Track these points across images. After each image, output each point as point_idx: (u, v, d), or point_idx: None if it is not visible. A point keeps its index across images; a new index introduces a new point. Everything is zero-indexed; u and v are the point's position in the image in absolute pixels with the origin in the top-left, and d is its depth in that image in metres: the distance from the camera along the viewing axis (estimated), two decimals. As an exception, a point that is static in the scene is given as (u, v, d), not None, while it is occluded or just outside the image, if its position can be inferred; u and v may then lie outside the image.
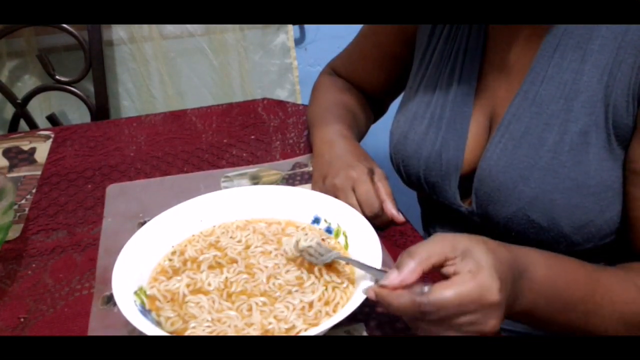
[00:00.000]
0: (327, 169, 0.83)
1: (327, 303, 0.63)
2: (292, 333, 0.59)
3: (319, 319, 0.61)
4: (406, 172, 0.86)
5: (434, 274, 0.56)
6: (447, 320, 0.54)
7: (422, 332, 0.55)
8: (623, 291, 0.65)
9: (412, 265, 0.55)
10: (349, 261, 0.65)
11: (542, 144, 0.71)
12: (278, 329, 0.60)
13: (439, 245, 0.56)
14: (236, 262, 0.69)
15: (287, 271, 0.67)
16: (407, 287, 0.54)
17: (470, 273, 0.53)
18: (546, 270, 0.61)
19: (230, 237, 0.73)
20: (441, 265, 0.55)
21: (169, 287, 0.66)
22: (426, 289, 0.53)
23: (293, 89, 1.70)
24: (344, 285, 0.65)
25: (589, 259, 0.76)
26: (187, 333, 0.60)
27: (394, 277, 0.55)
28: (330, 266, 0.68)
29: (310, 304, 0.63)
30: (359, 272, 0.65)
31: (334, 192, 0.77)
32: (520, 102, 0.74)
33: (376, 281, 0.58)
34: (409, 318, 0.56)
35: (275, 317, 0.61)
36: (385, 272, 0.57)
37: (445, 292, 0.53)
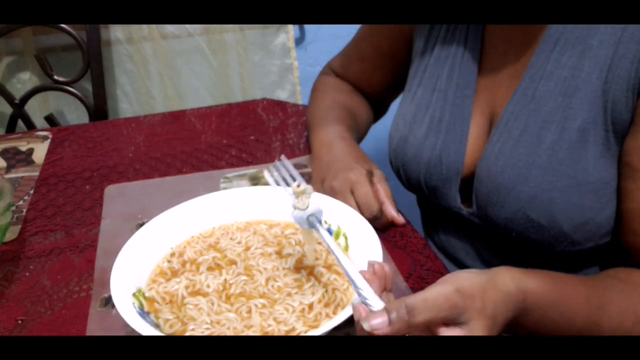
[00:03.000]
0: (325, 171, 0.82)
1: (327, 305, 0.63)
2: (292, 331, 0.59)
3: (319, 320, 0.61)
4: (406, 176, 0.85)
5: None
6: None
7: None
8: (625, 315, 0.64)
9: (404, 325, 0.50)
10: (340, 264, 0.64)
11: (541, 143, 0.71)
12: (278, 331, 0.60)
13: (444, 313, 0.51)
14: (235, 263, 0.69)
15: (286, 274, 0.67)
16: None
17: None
18: (543, 309, 0.60)
19: (230, 239, 0.73)
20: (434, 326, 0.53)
21: (168, 289, 0.66)
22: None
23: (293, 89, 1.70)
24: (344, 287, 0.65)
25: (589, 259, 0.76)
26: (186, 334, 0.60)
27: (380, 325, 0.50)
28: (330, 268, 0.67)
29: (310, 306, 0.62)
30: (358, 267, 0.65)
31: (333, 195, 0.77)
32: (518, 99, 0.74)
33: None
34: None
35: (274, 319, 0.61)
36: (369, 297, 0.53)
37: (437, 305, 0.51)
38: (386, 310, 0.51)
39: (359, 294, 0.53)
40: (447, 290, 0.52)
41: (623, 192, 0.69)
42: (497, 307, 0.55)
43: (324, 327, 0.57)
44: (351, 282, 0.55)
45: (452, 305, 0.52)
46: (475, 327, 0.53)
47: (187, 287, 0.66)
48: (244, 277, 0.67)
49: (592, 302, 0.63)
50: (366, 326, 0.50)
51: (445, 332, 0.52)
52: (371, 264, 0.56)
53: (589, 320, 0.62)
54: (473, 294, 0.53)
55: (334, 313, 0.61)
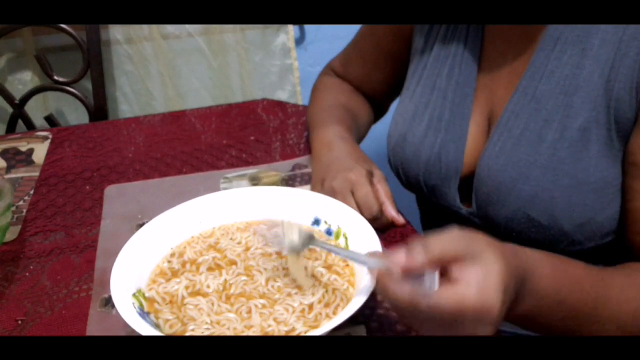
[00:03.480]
0: (325, 171, 0.82)
1: (327, 305, 0.63)
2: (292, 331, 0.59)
3: (319, 321, 0.61)
4: (405, 175, 0.85)
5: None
6: (438, 322, 0.52)
7: (405, 323, 0.54)
8: (627, 299, 0.64)
9: (422, 256, 0.52)
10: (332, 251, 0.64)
11: (542, 141, 0.71)
12: (278, 332, 0.60)
13: (453, 244, 0.53)
14: (235, 263, 0.69)
15: (286, 274, 0.67)
16: (408, 272, 0.52)
17: (477, 285, 0.50)
18: (551, 278, 0.59)
19: (230, 239, 0.73)
20: (449, 262, 0.53)
21: (168, 289, 0.66)
22: (427, 281, 0.51)
23: (294, 90, 1.69)
24: (344, 287, 0.65)
25: (590, 259, 0.76)
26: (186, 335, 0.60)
27: (400, 257, 0.52)
28: (330, 268, 0.67)
29: (310, 306, 0.62)
30: (358, 274, 0.65)
31: (333, 195, 0.77)
32: (519, 98, 0.74)
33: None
34: (398, 308, 0.54)
35: (274, 319, 0.61)
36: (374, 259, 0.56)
37: (447, 301, 0.50)
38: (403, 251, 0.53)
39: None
40: (454, 229, 0.55)
41: (629, 191, 0.69)
42: (502, 246, 0.55)
43: (324, 328, 0.57)
44: (361, 261, 0.58)
45: (461, 237, 0.53)
46: (491, 258, 0.52)
47: (187, 288, 0.66)
48: (243, 278, 0.67)
49: (594, 278, 0.63)
50: (388, 263, 0.53)
51: (462, 269, 0.51)
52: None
53: (590, 298, 0.62)
54: (477, 234, 0.55)
55: (334, 313, 0.61)
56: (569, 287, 0.61)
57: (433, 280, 0.52)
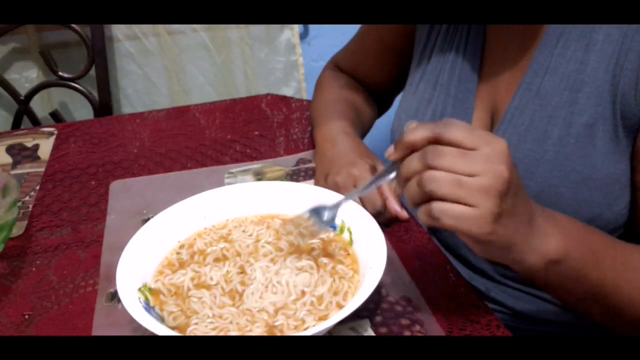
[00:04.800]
0: (329, 166, 0.82)
1: (336, 293, 0.63)
2: (302, 328, 0.60)
3: (330, 310, 0.61)
4: None
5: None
6: (458, 150, 0.51)
7: (428, 180, 0.52)
8: None
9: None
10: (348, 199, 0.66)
11: (547, 138, 0.71)
12: (287, 325, 0.60)
13: (470, 138, 0.52)
14: (240, 255, 0.69)
15: (298, 274, 0.67)
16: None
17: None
18: (577, 226, 0.59)
19: (243, 231, 0.73)
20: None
21: (174, 280, 0.66)
22: None
23: (299, 86, 1.69)
24: (350, 275, 0.65)
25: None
26: (189, 329, 0.60)
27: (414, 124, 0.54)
28: (333, 257, 0.68)
29: (320, 298, 0.63)
30: (362, 261, 0.66)
31: (336, 190, 0.77)
32: (522, 94, 0.73)
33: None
34: (416, 163, 0.53)
35: (284, 314, 0.61)
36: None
37: (459, 122, 0.52)
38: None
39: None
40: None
41: (639, 189, 0.69)
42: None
43: (330, 320, 0.57)
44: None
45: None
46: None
47: (192, 279, 0.66)
48: (242, 276, 0.67)
49: (617, 246, 0.63)
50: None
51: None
52: None
53: (614, 266, 0.61)
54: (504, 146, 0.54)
55: (344, 299, 0.62)
56: (589, 230, 0.61)
57: None
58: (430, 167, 0.52)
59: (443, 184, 0.51)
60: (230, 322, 0.61)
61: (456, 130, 0.52)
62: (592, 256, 0.60)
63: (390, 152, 0.56)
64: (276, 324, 0.60)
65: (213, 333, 0.60)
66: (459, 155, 0.51)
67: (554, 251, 0.57)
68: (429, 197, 0.52)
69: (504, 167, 0.51)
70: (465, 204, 0.51)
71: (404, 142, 0.54)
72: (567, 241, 0.58)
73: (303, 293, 0.64)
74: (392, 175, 0.58)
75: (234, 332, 0.60)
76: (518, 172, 0.54)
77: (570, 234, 0.59)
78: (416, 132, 0.53)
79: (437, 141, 0.52)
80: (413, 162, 0.53)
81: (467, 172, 0.51)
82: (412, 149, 0.54)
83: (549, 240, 0.57)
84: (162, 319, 0.61)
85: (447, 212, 0.51)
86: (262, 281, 0.65)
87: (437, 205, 0.52)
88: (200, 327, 0.60)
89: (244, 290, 0.64)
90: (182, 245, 0.72)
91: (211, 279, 0.66)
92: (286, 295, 0.63)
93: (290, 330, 0.60)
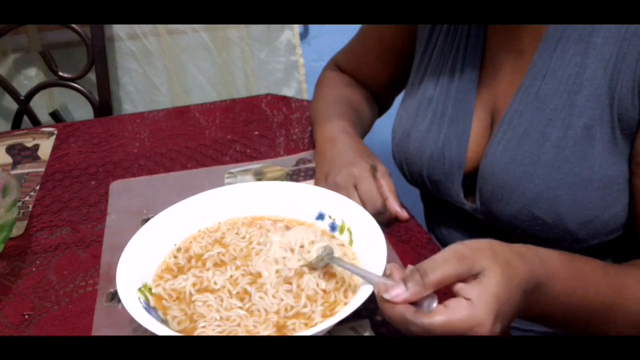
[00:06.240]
0: (329, 166, 0.82)
1: (336, 289, 0.64)
2: (310, 325, 0.60)
3: (337, 303, 0.62)
4: (409, 170, 0.85)
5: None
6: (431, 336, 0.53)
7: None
8: None
9: (419, 287, 0.53)
10: (344, 267, 0.64)
11: (546, 140, 0.71)
12: (299, 325, 0.60)
13: (454, 267, 0.53)
14: (236, 259, 0.69)
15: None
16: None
17: (468, 302, 0.52)
18: (566, 280, 0.60)
19: (236, 234, 0.73)
20: (449, 285, 0.54)
21: (175, 286, 0.66)
22: (425, 303, 0.53)
23: (299, 87, 1.68)
24: (349, 273, 0.66)
25: (595, 255, 0.76)
26: (196, 332, 0.60)
27: (399, 293, 0.53)
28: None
29: (325, 291, 0.63)
30: (362, 261, 0.66)
31: (336, 190, 0.77)
32: (522, 97, 0.74)
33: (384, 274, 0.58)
34: (393, 323, 0.55)
35: (296, 314, 0.61)
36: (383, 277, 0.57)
37: (434, 319, 0.52)
38: (402, 280, 0.54)
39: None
40: (455, 247, 0.55)
41: (638, 192, 0.69)
42: (510, 257, 0.55)
43: (335, 318, 0.57)
44: (366, 277, 0.59)
45: (460, 258, 0.54)
46: (491, 276, 0.53)
47: (194, 285, 0.66)
48: (248, 277, 0.67)
49: (611, 278, 0.63)
50: (387, 296, 0.54)
51: (462, 288, 0.53)
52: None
53: (606, 299, 0.62)
54: (482, 247, 0.55)
55: (345, 297, 0.63)
56: (584, 289, 0.61)
57: (431, 303, 0.54)
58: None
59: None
60: (238, 325, 0.61)
61: (434, 332, 0.52)
62: (574, 309, 0.61)
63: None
64: (288, 324, 0.60)
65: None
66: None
67: (536, 313, 0.59)
68: None
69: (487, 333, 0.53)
70: None
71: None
72: (551, 308, 0.60)
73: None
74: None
75: (242, 334, 0.60)
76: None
77: (556, 298, 0.59)
78: (396, 323, 0.54)
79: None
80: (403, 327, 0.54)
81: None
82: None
83: (532, 311, 0.58)
84: (166, 323, 0.61)
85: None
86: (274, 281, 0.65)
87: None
88: (208, 331, 0.60)
89: (253, 290, 0.64)
90: (179, 248, 0.72)
91: (215, 283, 0.66)
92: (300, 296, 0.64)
93: (301, 328, 0.60)
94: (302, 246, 0.67)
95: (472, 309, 0.52)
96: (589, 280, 0.62)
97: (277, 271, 0.66)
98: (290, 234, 0.69)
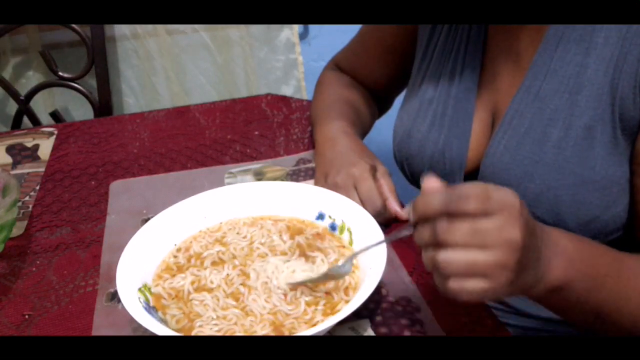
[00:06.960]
0: (329, 166, 0.82)
1: (336, 289, 0.64)
2: (311, 324, 0.60)
3: (339, 301, 0.62)
4: (410, 170, 0.85)
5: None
6: (470, 222, 0.50)
7: (443, 248, 0.51)
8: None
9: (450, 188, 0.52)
10: (354, 256, 0.64)
11: (546, 140, 0.71)
12: (297, 324, 0.60)
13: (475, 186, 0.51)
14: (236, 258, 0.69)
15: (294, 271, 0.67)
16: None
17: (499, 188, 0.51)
18: (576, 243, 0.59)
19: (237, 233, 0.73)
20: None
21: (174, 284, 0.66)
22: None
23: (299, 85, 1.69)
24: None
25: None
26: (193, 331, 0.60)
27: (434, 181, 0.53)
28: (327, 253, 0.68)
29: (328, 293, 0.63)
30: (362, 261, 0.66)
31: (336, 190, 0.77)
32: (522, 97, 0.74)
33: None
34: (429, 234, 0.52)
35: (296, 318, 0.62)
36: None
37: (473, 187, 0.50)
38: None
39: None
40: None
41: (638, 192, 0.69)
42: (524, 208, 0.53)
43: (332, 319, 0.57)
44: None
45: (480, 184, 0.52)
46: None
47: (192, 283, 0.66)
48: (243, 277, 0.67)
49: (621, 265, 0.62)
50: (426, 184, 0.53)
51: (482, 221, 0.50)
52: None
53: (617, 286, 0.61)
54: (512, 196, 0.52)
55: (346, 294, 0.63)
56: (592, 254, 0.60)
57: None
58: (442, 243, 0.51)
59: (457, 267, 0.51)
60: (235, 324, 0.61)
61: (469, 202, 0.50)
62: (594, 281, 0.60)
63: (406, 212, 0.57)
64: (286, 323, 0.60)
65: (218, 335, 0.60)
66: (470, 232, 0.50)
67: (557, 280, 0.57)
68: (445, 276, 0.52)
69: (518, 234, 0.50)
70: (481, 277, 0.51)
71: (418, 212, 0.53)
72: (570, 269, 0.57)
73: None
74: (408, 232, 0.56)
75: (239, 334, 0.60)
76: (528, 214, 0.53)
77: (574, 260, 0.58)
78: (429, 204, 0.52)
79: (450, 214, 0.51)
80: (425, 234, 0.53)
81: (481, 246, 0.50)
82: (426, 219, 0.53)
83: (552, 272, 0.56)
84: (164, 322, 0.61)
85: (464, 290, 0.51)
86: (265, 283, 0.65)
87: (453, 285, 0.51)
88: (205, 329, 0.60)
89: (245, 292, 0.64)
90: (179, 248, 0.72)
91: (211, 282, 0.66)
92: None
93: (301, 327, 0.60)
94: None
95: (508, 194, 0.51)
96: (594, 248, 0.61)
97: (265, 283, 0.66)
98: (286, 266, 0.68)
